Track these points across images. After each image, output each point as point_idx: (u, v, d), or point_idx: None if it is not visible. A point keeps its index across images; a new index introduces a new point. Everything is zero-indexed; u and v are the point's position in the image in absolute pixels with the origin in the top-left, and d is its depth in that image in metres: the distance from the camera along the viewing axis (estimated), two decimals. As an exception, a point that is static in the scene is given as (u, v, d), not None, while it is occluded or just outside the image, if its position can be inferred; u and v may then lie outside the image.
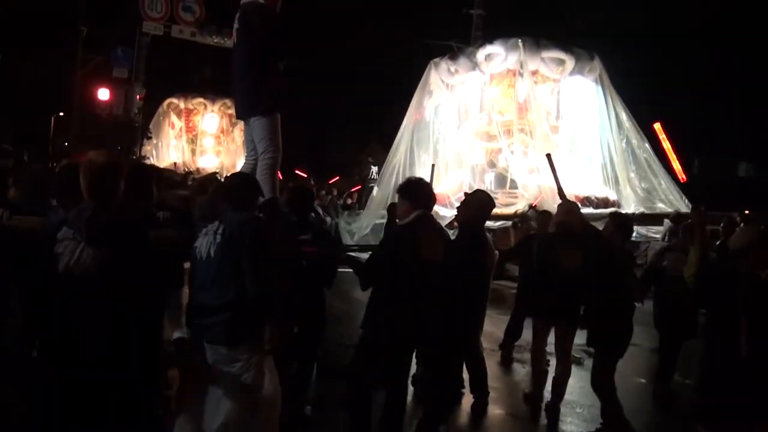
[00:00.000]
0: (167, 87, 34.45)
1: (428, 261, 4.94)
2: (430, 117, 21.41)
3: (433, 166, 16.25)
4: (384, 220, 19.46)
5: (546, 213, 9.52)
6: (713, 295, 4.82)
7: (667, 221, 13.77)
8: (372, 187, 25.73)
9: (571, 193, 15.87)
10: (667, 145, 12.93)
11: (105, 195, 3.62)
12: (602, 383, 6.15)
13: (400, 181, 20.12)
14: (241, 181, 4.86)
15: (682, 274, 5.18)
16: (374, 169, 41.10)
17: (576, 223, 6.63)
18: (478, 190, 7.06)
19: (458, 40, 25.45)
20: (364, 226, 20.28)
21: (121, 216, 3.71)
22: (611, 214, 7.83)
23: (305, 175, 26.00)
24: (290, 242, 5.29)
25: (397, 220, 5.61)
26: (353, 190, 24.85)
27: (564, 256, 6.57)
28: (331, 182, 25.69)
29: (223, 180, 6.75)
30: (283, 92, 5.81)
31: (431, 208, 5.30)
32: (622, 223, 6.66)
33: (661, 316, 7.61)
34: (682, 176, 19.38)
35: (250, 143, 5.85)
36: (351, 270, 5.23)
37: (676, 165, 19.60)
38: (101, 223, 3.53)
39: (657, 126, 11.42)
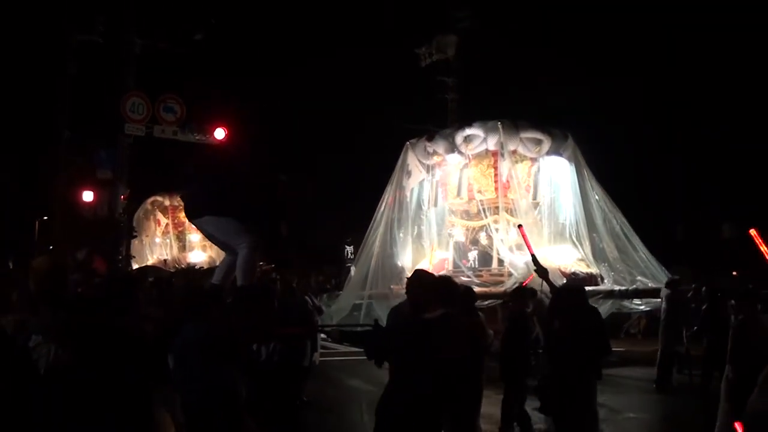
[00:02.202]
0: (150, 184, 34.68)
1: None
2: (409, 197, 21.69)
3: (520, 225, 16.26)
4: (362, 301, 19.70)
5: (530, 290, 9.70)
6: None
7: (664, 289, 14.02)
8: (349, 267, 25.79)
9: (555, 268, 16.15)
10: (764, 248, 13.05)
11: (56, 297, 3.73)
12: None
13: (381, 261, 20.52)
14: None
15: None
16: (349, 249, 41.29)
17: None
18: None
19: (434, 124, 26.05)
20: (343, 307, 20.32)
21: (81, 315, 3.83)
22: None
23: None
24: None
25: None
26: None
27: None
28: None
29: None
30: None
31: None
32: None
33: None
34: None
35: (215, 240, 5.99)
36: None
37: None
38: (61, 321, 3.62)
39: (753, 232, 11.67)
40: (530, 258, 8.28)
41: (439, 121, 27.75)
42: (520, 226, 13.73)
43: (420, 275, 5.53)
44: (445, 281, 5.55)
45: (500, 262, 19.65)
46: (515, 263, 18.58)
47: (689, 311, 13.22)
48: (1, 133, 31.54)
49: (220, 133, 27.36)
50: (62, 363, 3.51)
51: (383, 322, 6.32)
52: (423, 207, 21.61)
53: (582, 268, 19.00)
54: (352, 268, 23.63)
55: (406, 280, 6.48)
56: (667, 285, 13.99)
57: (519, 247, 18.79)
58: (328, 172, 42.88)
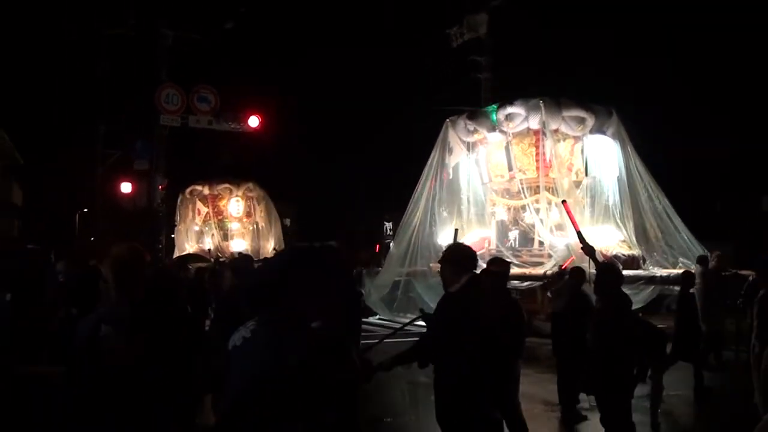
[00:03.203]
0: (188, 174, 34.95)
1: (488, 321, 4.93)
2: (451, 175, 21.51)
3: (456, 230, 16.33)
4: (401, 278, 19.79)
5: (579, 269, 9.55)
6: None
7: (696, 266, 13.77)
8: (389, 244, 25.77)
9: (596, 250, 15.91)
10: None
11: (133, 286, 3.66)
12: None
13: (420, 238, 20.53)
14: None
15: None
16: (388, 225, 41.39)
17: None
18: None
19: (468, 105, 25.81)
20: (383, 283, 20.40)
21: (155, 306, 3.78)
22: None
23: None
24: None
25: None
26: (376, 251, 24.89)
27: None
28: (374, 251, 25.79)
29: None
30: None
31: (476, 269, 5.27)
32: None
33: None
34: None
35: None
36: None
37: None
38: (140, 312, 3.58)
39: None
40: (571, 239, 8.14)
41: (472, 102, 27.46)
42: (564, 201, 13.51)
43: (443, 256, 5.40)
44: (461, 249, 5.42)
45: (540, 243, 19.42)
46: (555, 245, 18.34)
47: (726, 287, 12.99)
48: (39, 129, 31.95)
49: (254, 121, 27.51)
50: (135, 355, 3.46)
51: (422, 300, 6.49)
52: (463, 185, 21.37)
53: (624, 250, 18.69)
54: (392, 245, 23.65)
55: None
56: (699, 262, 13.73)
57: (559, 228, 18.57)
58: (364, 153, 42.91)
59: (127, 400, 3.44)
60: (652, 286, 17.04)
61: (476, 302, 4.93)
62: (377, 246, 28.83)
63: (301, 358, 3.68)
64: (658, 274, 17.45)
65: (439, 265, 5.30)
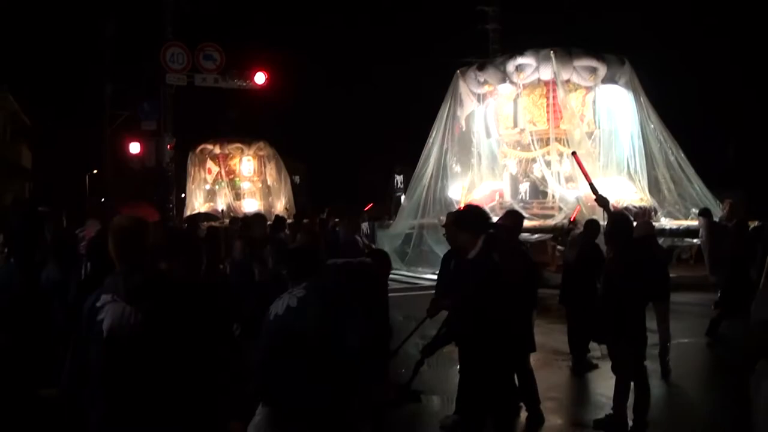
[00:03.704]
0: (196, 133, 34.84)
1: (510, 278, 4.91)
2: (463, 127, 21.33)
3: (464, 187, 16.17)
4: (413, 230, 19.82)
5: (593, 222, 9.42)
6: None
7: (700, 218, 13.60)
8: (399, 197, 25.70)
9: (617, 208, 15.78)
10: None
11: (135, 257, 3.54)
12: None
13: (432, 191, 20.49)
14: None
15: None
16: (398, 178, 41.31)
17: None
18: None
19: (475, 57, 25.52)
20: (395, 234, 20.51)
21: (156, 274, 3.67)
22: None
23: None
24: None
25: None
26: (365, 209, 24.78)
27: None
28: (366, 209, 25.67)
29: None
30: None
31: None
32: None
33: None
34: None
35: None
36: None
37: None
38: (137, 281, 3.45)
39: None
40: (581, 191, 8.01)
41: (480, 54, 27.16)
42: (574, 153, 13.35)
43: (451, 218, 5.33)
44: (471, 211, 5.31)
45: (552, 195, 19.30)
46: (565, 197, 18.21)
47: (732, 238, 12.85)
48: (46, 91, 31.85)
49: (260, 78, 27.28)
50: (132, 325, 3.33)
51: (433, 253, 6.57)
52: (474, 138, 21.19)
53: (636, 202, 18.54)
54: (403, 198, 23.61)
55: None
56: (701, 214, 13.53)
57: (570, 180, 18.43)
58: (373, 107, 42.61)
59: (131, 375, 3.32)
60: (662, 239, 16.95)
61: (497, 264, 4.88)
62: (371, 203, 28.72)
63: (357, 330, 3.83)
64: (668, 227, 17.33)
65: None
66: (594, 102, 19.98)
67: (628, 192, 18.96)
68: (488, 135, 21.03)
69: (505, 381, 5.10)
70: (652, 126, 19.48)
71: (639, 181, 19.31)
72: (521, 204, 19.07)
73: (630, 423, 6.05)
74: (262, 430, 3.86)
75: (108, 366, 3.32)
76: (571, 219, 15.24)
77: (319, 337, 3.78)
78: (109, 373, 3.32)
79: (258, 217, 10.19)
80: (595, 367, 8.61)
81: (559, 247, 15.77)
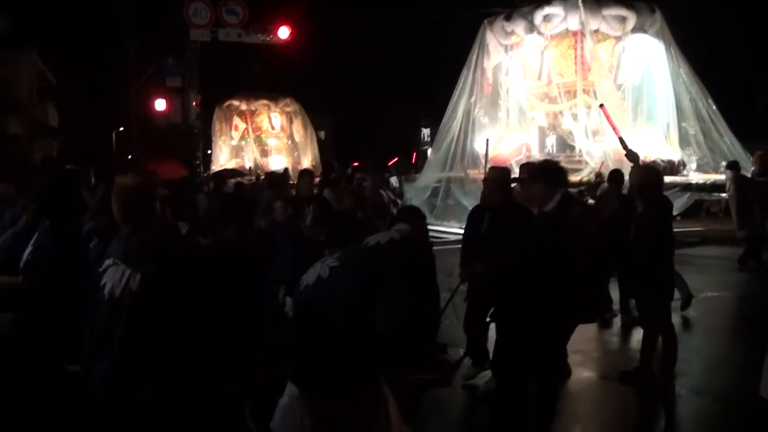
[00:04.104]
0: (222, 90, 34.76)
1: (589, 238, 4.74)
2: (490, 80, 21.03)
3: (487, 140, 16.05)
4: (440, 184, 19.68)
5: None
6: None
7: (727, 172, 13.35)
8: (426, 151, 25.50)
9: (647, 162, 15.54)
10: None
11: (139, 219, 3.39)
12: None
13: (459, 145, 20.28)
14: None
15: None
16: (425, 131, 41.02)
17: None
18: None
19: (502, 7, 25.08)
20: (422, 187, 20.34)
21: (160, 237, 3.50)
22: None
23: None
24: None
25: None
26: (389, 164, 24.64)
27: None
28: (390, 164, 25.57)
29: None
30: None
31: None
32: None
33: None
34: None
35: None
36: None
37: None
38: (137, 243, 3.28)
39: None
40: (608, 145, 7.81)
41: (507, 3, 26.64)
42: (601, 105, 13.15)
43: (526, 170, 5.12)
44: (553, 165, 5.10)
45: (578, 149, 19.07)
46: (591, 151, 17.96)
47: (760, 191, 12.62)
48: (70, 49, 31.86)
49: (284, 32, 27.03)
50: (131, 290, 3.15)
51: (460, 206, 6.41)
52: (501, 90, 20.92)
53: (665, 155, 18.26)
54: (429, 151, 23.45)
55: (484, 168, 6.17)
56: (729, 167, 13.27)
57: (597, 134, 18.17)
58: (398, 60, 42.11)
59: (132, 341, 3.15)
60: (688, 193, 16.74)
61: (579, 220, 4.73)
62: (395, 158, 28.55)
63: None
64: (694, 181, 17.11)
65: (476, 173, 5.13)
66: (623, 52, 19.56)
67: (658, 145, 18.66)
68: (515, 87, 20.74)
69: (563, 344, 5.00)
70: (682, 77, 19.09)
71: (669, 134, 18.96)
72: (548, 157, 18.85)
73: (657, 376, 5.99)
74: (288, 413, 3.62)
75: (109, 331, 3.19)
76: (596, 173, 15.07)
77: (346, 315, 3.52)
78: (110, 337, 3.19)
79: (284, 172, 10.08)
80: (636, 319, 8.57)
81: (590, 201, 15.57)
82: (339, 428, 3.54)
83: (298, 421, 3.56)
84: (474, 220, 6.24)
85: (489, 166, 10.04)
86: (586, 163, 17.83)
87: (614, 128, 7.87)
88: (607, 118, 9.25)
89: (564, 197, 4.71)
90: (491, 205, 5.98)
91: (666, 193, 7.13)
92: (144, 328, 3.16)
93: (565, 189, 4.80)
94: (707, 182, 16.83)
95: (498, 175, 6.21)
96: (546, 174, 4.84)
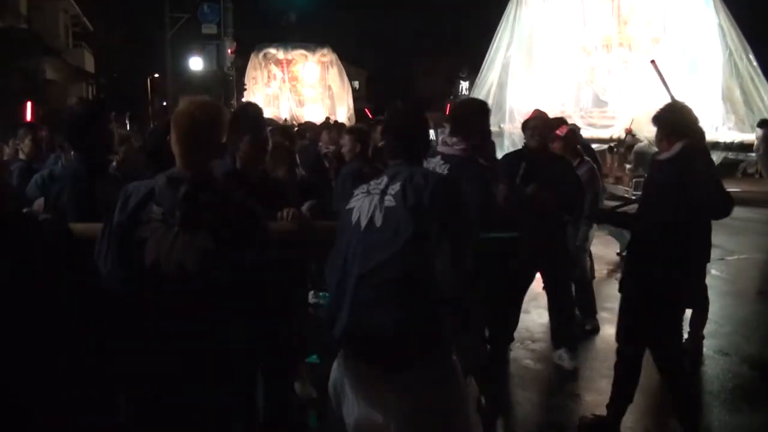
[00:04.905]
0: (257, 38, 34.62)
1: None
2: (526, 30, 20.64)
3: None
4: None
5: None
6: None
7: (757, 129, 13.07)
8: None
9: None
10: None
11: (204, 159, 2.80)
12: None
13: (496, 96, 20.00)
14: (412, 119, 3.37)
15: None
16: (464, 84, 40.60)
17: None
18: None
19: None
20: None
21: (228, 191, 2.89)
22: None
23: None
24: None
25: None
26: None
27: None
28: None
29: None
30: None
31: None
32: None
33: None
34: None
35: None
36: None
37: None
38: (203, 202, 2.72)
39: None
40: (639, 102, 7.57)
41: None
42: (652, 61, 12.78)
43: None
44: (680, 108, 4.70)
45: (611, 104, 18.72)
46: (623, 107, 17.60)
47: None
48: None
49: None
50: (178, 259, 2.66)
51: None
52: (537, 41, 20.53)
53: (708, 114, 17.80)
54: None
55: (524, 120, 5.93)
56: (760, 125, 12.99)
57: (627, 89, 17.76)
58: (435, 9, 41.56)
59: (172, 314, 2.70)
60: (717, 152, 16.36)
61: (700, 171, 4.37)
62: (448, 106, 28.25)
63: None
64: (722, 141, 16.67)
65: (511, 127, 5.00)
66: (662, 4, 18.96)
67: (702, 103, 18.18)
68: (552, 40, 20.34)
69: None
70: (724, 31, 18.47)
71: (705, 91, 18.46)
72: (582, 112, 18.60)
73: (685, 336, 5.96)
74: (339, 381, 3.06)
75: (143, 297, 2.73)
76: (627, 130, 14.84)
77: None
78: (142, 303, 2.73)
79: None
80: None
81: (627, 165, 15.36)
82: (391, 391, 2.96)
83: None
84: (508, 168, 5.61)
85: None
86: (618, 119, 17.49)
87: (666, 86, 7.57)
88: (659, 74, 8.90)
89: (684, 146, 4.37)
90: (533, 149, 5.67)
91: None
92: (194, 308, 2.72)
93: (688, 137, 4.45)
94: (734, 142, 16.40)
95: (543, 116, 5.91)
96: (667, 120, 4.55)
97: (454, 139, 4.35)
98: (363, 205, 3.02)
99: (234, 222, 2.76)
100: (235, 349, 2.84)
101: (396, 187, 2.96)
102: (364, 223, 2.97)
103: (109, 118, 3.95)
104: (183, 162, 2.77)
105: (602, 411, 4.54)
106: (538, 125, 5.71)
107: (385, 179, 3.06)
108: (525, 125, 5.83)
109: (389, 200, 2.95)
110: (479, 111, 4.57)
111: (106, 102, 4.26)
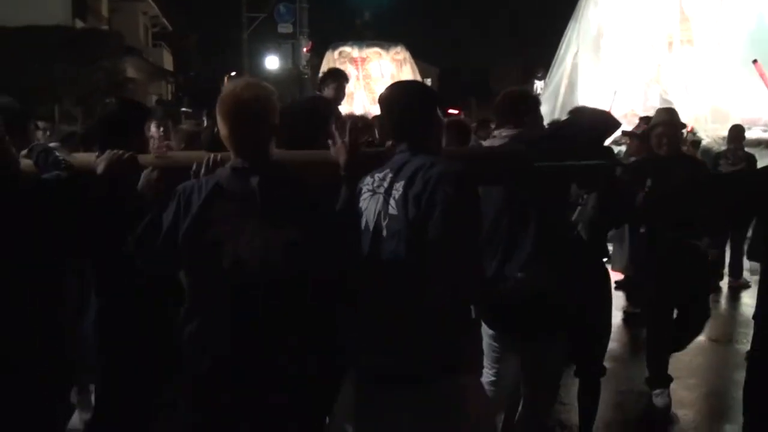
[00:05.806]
0: (332, 36, 35.18)
1: None
2: (593, 29, 20.33)
3: (615, 92, 15.52)
4: None
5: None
6: None
7: None
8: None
9: (748, 119, 14.65)
10: None
11: (259, 142, 2.58)
12: None
13: (566, 96, 19.73)
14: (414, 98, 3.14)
15: None
16: (538, 84, 40.13)
17: None
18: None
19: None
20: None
21: (296, 179, 2.67)
22: None
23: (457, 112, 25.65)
24: None
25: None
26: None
27: None
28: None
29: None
30: None
31: None
32: None
33: None
34: None
35: None
36: None
37: None
38: (282, 192, 2.53)
39: None
40: (703, 102, 7.30)
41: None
42: (755, 61, 12.47)
43: None
44: None
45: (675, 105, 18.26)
46: (686, 108, 17.16)
47: None
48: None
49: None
50: (250, 249, 2.49)
51: None
52: (608, 40, 20.21)
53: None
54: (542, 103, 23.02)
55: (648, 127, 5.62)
56: None
57: (688, 88, 17.33)
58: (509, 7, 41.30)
59: (243, 315, 2.49)
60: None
61: None
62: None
63: None
64: None
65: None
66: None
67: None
68: (620, 39, 20.01)
69: None
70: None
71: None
72: (648, 112, 18.22)
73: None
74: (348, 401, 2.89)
75: (224, 304, 2.53)
76: (688, 130, 14.54)
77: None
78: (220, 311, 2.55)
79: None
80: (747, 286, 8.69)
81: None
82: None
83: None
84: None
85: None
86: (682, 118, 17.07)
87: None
88: (761, 75, 8.60)
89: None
90: (661, 155, 5.11)
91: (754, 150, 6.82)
92: (278, 304, 2.60)
93: None
94: None
95: (670, 116, 5.32)
96: None
97: (503, 132, 3.97)
98: (369, 208, 2.78)
99: (316, 207, 2.60)
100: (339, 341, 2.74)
101: (399, 188, 2.70)
102: (371, 230, 2.74)
103: (146, 123, 3.73)
104: (236, 148, 2.59)
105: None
106: (667, 132, 5.17)
107: (389, 174, 2.79)
108: (649, 132, 5.35)
109: (392, 207, 2.70)
110: (520, 97, 4.16)
111: (145, 107, 3.81)
